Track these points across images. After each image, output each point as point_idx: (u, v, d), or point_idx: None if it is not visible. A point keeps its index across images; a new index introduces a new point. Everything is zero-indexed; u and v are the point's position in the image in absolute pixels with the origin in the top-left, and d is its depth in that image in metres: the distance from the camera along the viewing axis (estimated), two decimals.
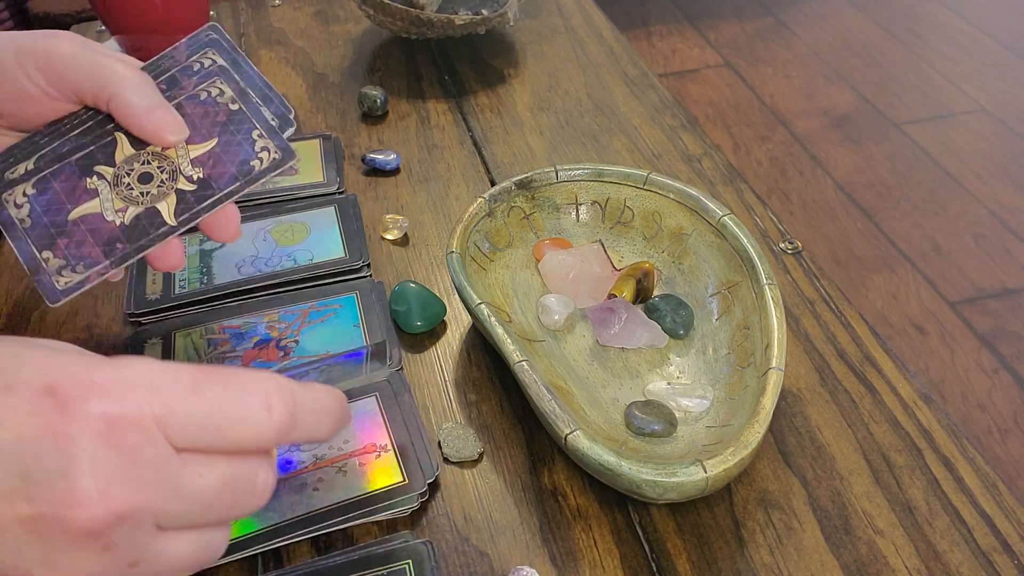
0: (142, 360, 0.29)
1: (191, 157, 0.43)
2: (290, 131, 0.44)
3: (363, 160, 0.67)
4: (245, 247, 0.58)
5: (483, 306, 0.47)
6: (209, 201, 0.42)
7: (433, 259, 0.59)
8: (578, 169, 0.57)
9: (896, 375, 0.50)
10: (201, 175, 0.43)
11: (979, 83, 2.17)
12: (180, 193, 0.42)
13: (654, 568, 0.41)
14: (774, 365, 0.44)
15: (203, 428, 0.28)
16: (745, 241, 0.50)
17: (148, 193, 0.42)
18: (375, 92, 0.73)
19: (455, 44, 0.85)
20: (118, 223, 0.42)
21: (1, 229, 0.42)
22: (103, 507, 0.26)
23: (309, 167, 0.66)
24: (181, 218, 0.42)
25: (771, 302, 0.47)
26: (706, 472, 0.39)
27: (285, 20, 0.90)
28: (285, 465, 0.44)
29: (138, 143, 0.43)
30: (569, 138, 0.71)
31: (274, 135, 0.44)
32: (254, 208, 0.62)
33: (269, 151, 0.44)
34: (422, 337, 0.53)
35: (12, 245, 0.42)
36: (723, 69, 2.26)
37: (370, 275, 0.57)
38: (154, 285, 0.56)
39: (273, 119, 0.44)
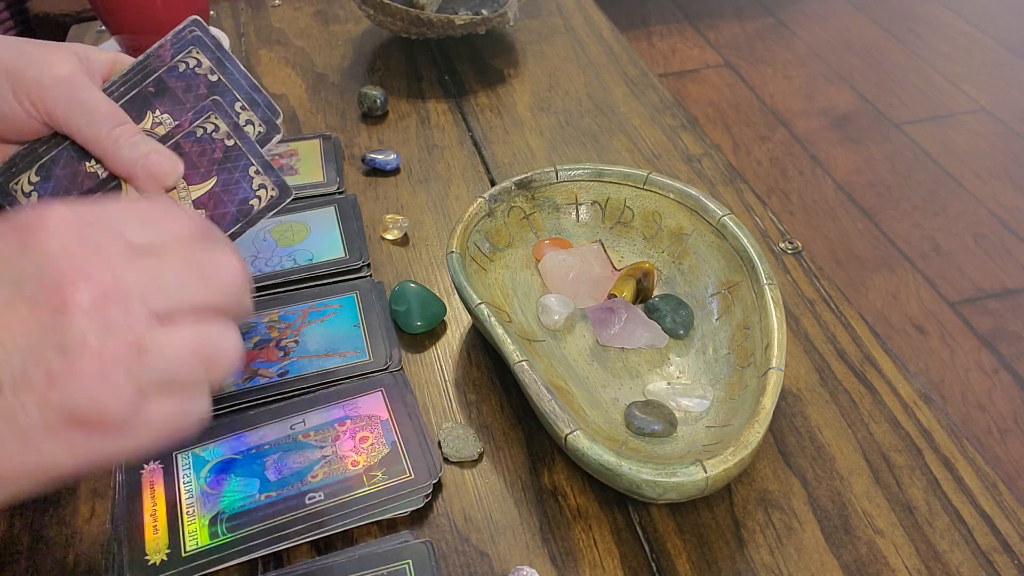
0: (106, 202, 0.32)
1: (193, 198, 0.44)
2: (277, 138, 0.45)
3: (363, 160, 0.67)
4: (245, 247, 0.58)
5: (483, 306, 0.47)
6: None
7: (433, 259, 0.59)
8: (578, 169, 0.57)
9: (896, 375, 0.50)
10: (204, 216, 0.43)
11: (979, 83, 2.17)
12: None
13: (654, 568, 0.41)
14: (774, 365, 0.44)
15: (179, 290, 0.31)
16: (745, 241, 0.50)
17: None
18: (375, 92, 0.73)
19: (455, 44, 0.85)
20: None
21: None
22: (86, 281, 0.29)
23: (309, 167, 0.66)
24: None
25: (771, 302, 0.47)
26: (706, 472, 0.39)
27: (285, 20, 0.90)
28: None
29: None
30: (569, 138, 0.71)
31: (269, 171, 0.44)
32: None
33: (267, 188, 0.44)
34: (422, 337, 0.53)
35: None
36: (723, 69, 2.26)
37: (370, 275, 0.57)
38: None
39: (261, 124, 0.45)
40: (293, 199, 0.63)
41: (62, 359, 0.28)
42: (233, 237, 0.43)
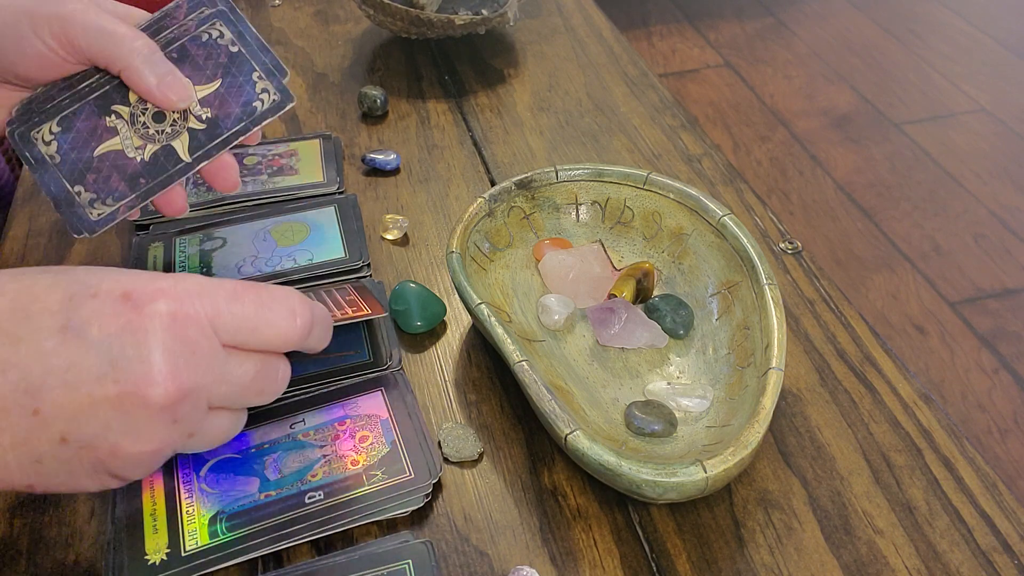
0: (194, 275, 0.36)
1: (199, 97, 0.47)
2: (291, 106, 0.48)
3: (363, 160, 0.67)
4: (245, 247, 0.58)
5: (483, 306, 0.47)
6: (219, 140, 0.47)
7: (433, 259, 0.59)
8: (578, 169, 0.57)
9: (896, 375, 0.50)
10: (209, 115, 0.47)
11: (979, 83, 2.17)
12: (192, 132, 0.47)
13: (654, 568, 0.41)
14: (774, 365, 0.44)
15: (242, 329, 0.36)
16: (745, 241, 0.50)
17: (163, 132, 0.47)
18: (375, 92, 0.73)
19: (455, 44, 0.85)
20: (138, 160, 0.46)
21: (31, 165, 0.46)
22: (174, 386, 0.33)
23: (309, 167, 0.66)
24: (195, 155, 0.46)
25: (771, 302, 0.47)
26: (706, 472, 0.39)
27: (285, 20, 0.90)
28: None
29: None
30: (569, 138, 0.71)
31: (273, 78, 0.48)
32: (254, 208, 0.62)
33: (269, 93, 0.48)
34: (422, 337, 0.53)
35: (41, 180, 0.46)
36: (723, 69, 2.26)
37: (370, 275, 0.57)
38: None
39: (276, 93, 0.48)
40: (293, 199, 0.63)
41: (127, 440, 0.33)
42: (237, 135, 0.47)
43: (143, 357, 0.33)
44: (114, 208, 0.45)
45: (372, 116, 0.74)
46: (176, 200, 0.47)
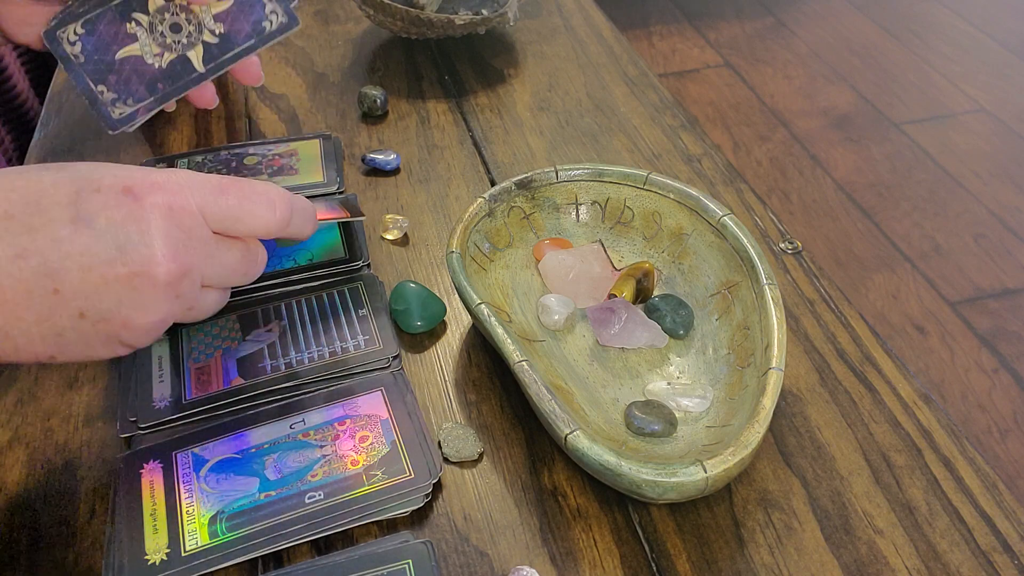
0: (183, 170, 0.41)
1: (213, 12, 0.51)
2: (296, 28, 0.52)
3: (363, 160, 0.67)
4: None
5: (483, 306, 0.47)
6: (231, 54, 0.51)
7: (433, 259, 0.59)
8: (578, 169, 0.57)
9: (896, 375, 0.50)
10: (222, 30, 0.51)
11: (979, 83, 2.17)
12: (206, 45, 0.51)
13: (654, 568, 0.41)
14: (774, 365, 0.44)
15: (228, 218, 0.41)
16: (745, 241, 0.50)
17: (179, 42, 0.51)
18: (375, 92, 0.73)
19: (455, 44, 0.85)
20: (157, 66, 0.51)
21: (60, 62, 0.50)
22: (175, 265, 0.38)
23: (309, 167, 0.66)
24: (208, 66, 0.51)
25: (771, 302, 0.47)
26: (706, 472, 0.39)
27: None
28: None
29: None
30: (569, 138, 0.71)
31: (282, 1, 0.52)
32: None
33: (278, 15, 0.52)
34: (422, 337, 0.53)
35: (70, 76, 0.50)
36: (723, 69, 2.26)
37: (370, 273, 0.57)
38: None
39: (284, 15, 0.52)
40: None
41: (137, 314, 0.38)
42: (247, 51, 0.52)
43: (147, 242, 0.37)
44: (134, 109, 0.50)
45: (372, 116, 0.74)
46: (206, 94, 0.55)
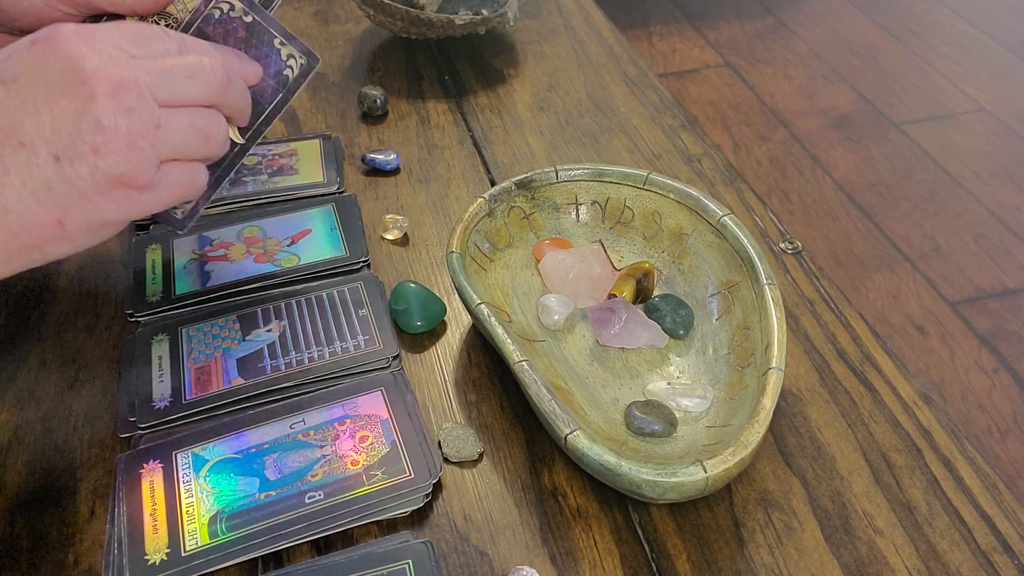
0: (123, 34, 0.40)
1: None
2: (317, 67, 0.49)
3: (363, 160, 0.67)
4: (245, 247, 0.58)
5: (483, 306, 0.47)
6: (264, 116, 0.48)
7: (433, 259, 0.59)
8: (578, 169, 0.57)
9: (896, 375, 0.50)
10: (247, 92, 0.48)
11: (979, 83, 2.17)
12: None
13: (654, 568, 0.41)
14: (774, 365, 0.44)
15: (173, 87, 0.40)
16: (745, 241, 0.50)
17: None
18: (375, 92, 0.73)
19: (455, 44, 0.85)
20: None
21: None
22: (109, 76, 0.38)
23: (309, 167, 0.66)
24: (247, 136, 0.48)
25: (771, 302, 0.47)
26: (706, 472, 0.39)
27: (285, 20, 0.90)
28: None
29: None
30: (569, 138, 0.71)
31: (293, 41, 0.48)
32: (254, 208, 0.62)
33: (295, 57, 0.48)
34: (422, 337, 0.53)
35: None
36: (723, 69, 2.26)
37: (370, 272, 0.57)
38: (154, 286, 0.56)
39: (301, 56, 0.49)
40: (293, 199, 0.63)
41: (100, 136, 0.37)
42: (280, 108, 0.48)
43: (73, 67, 0.38)
44: (194, 204, 0.48)
45: (372, 116, 0.74)
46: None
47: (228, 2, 0.48)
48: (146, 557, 0.40)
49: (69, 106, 0.37)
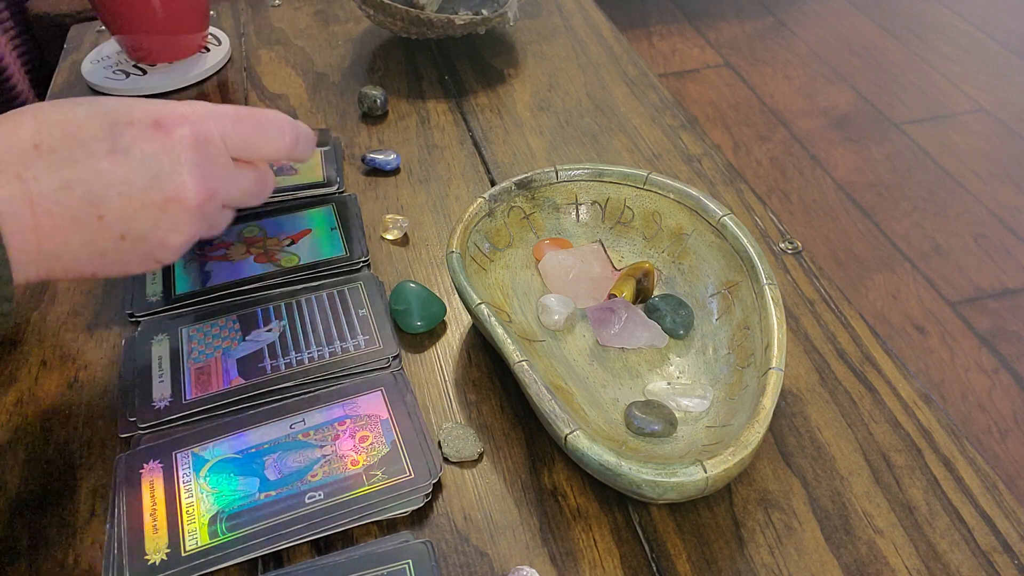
0: (202, 102, 0.45)
1: None
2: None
3: (363, 160, 0.67)
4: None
5: (483, 306, 0.47)
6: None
7: (433, 259, 0.59)
8: (578, 169, 0.57)
9: (896, 375, 0.50)
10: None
11: (979, 83, 2.17)
12: None
13: (654, 568, 0.41)
14: (774, 365, 0.44)
15: (246, 145, 0.45)
16: (745, 241, 0.50)
17: None
18: (375, 92, 0.73)
19: (455, 44, 0.85)
20: None
21: None
22: (204, 190, 0.42)
23: (309, 167, 0.66)
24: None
25: (771, 302, 0.47)
26: (706, 472, 0.39)
27: (285, 20, 0.90)
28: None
29: None
30: (569, 138, 0.71)
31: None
32: (253, 208, 0.62)
33: None
34: (422, 337, 0.53)
35: None
36: (723, 69, 2.26)
37: (370, 272, 0.57)
38: (154, 286, 0.56)
39: None
40: (294, 199, 0.63)
41: (170, 235, 0.42)
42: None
43: (178, 171, 0.41)
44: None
45: (372, 116, 0.74)
46: None
47: None
48: (146, 557, 0.40)
49: (159, 205, 0.41)
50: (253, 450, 0.45)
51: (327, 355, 0.51)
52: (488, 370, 0.51)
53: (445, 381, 0.50)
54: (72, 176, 0.39)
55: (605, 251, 0.56)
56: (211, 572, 0.40)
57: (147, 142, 0.41)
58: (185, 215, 0.42)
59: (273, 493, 0.43)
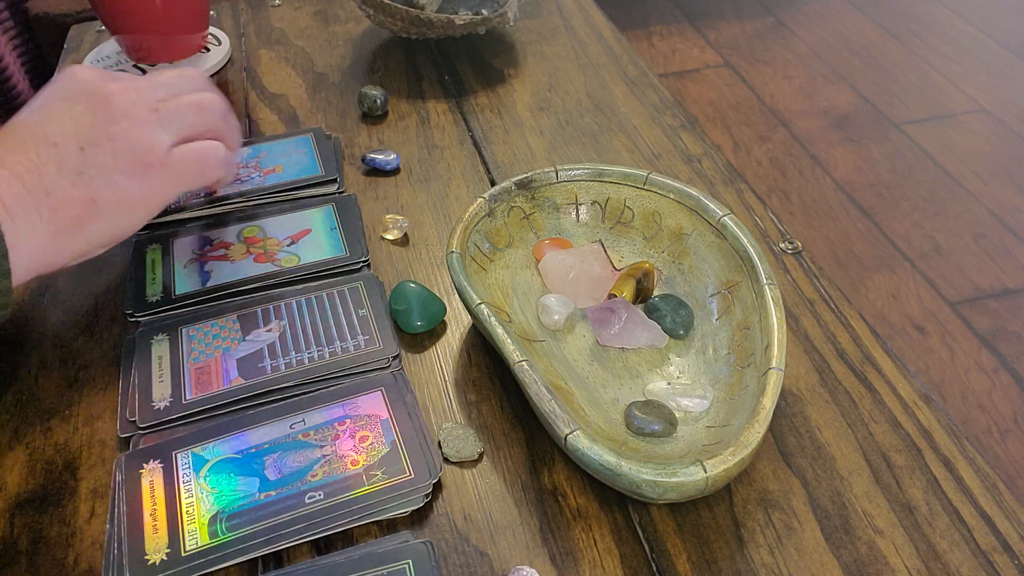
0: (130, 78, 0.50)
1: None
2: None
3: (363, 160, 0.67)
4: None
5: (483, 306, 0.47)
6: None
7: (433, 259, 0.59)
8: (578, 169, 0.57)
9: (896, 375, 0.50)
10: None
11: (979, 83, 2.17)
12: None
13: (654, 568, 0.41)
14: (774, 365, 0.44)
15: (169, 88, 0.51)
16: (745, 241, 0.50)
17: None
18: (375, 92, 0.73)
19: (455, 44, 0.85)
20: None
21: None
22: (116, 85, 0.48)
23: (297, 159, 0.66)
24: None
25: (771, 302, 0.47)
26: (706, 472, 0.39)
27: (285, 20, 0.90)
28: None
29: None
30: (569, 138, 0.71)
31: None
32: (254, 208, 0.62)
33: None
34: (422, 337, 0.53)
35: None
36: (723, 69, 2.26)
37: (370, 271, 0.57)
38: (154, 286, 0.56)
39: None
40: (294, 199, 0.63)
41: (113, 125, 0.46)
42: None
43: (86, 86, 0.47)
44: None
45: (372, 116, 0.74)
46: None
47: None
48: (146, 557, 0.40)
49: (87, 109, 0.46)
50: (253, 450, 0.45)
51: (327, 355, 0.51)
52: (488, 370, 0.51)
53: (445, 381, 0.50)
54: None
55: (605, 251, 0.56)
56: (211, 572, 0.40)
57: (52, 86, 0.48)
58: (113, 107, 0.46)
59: (273, 493, 0.43)
